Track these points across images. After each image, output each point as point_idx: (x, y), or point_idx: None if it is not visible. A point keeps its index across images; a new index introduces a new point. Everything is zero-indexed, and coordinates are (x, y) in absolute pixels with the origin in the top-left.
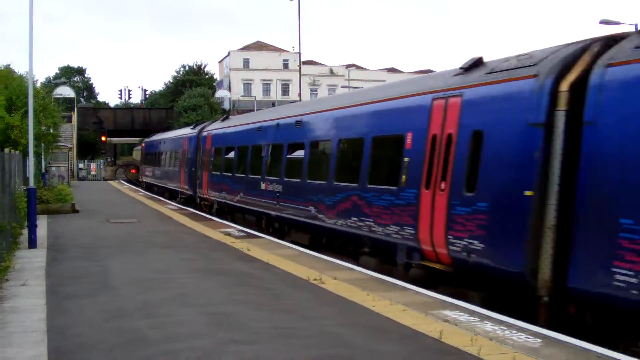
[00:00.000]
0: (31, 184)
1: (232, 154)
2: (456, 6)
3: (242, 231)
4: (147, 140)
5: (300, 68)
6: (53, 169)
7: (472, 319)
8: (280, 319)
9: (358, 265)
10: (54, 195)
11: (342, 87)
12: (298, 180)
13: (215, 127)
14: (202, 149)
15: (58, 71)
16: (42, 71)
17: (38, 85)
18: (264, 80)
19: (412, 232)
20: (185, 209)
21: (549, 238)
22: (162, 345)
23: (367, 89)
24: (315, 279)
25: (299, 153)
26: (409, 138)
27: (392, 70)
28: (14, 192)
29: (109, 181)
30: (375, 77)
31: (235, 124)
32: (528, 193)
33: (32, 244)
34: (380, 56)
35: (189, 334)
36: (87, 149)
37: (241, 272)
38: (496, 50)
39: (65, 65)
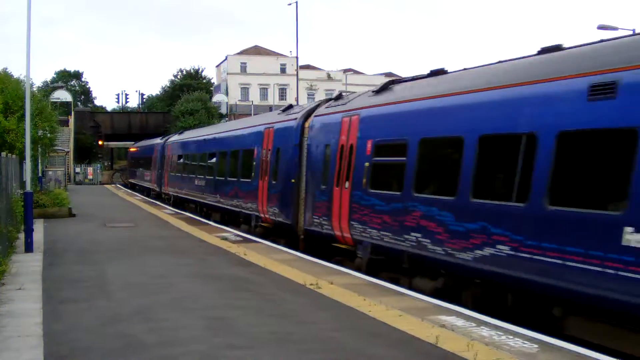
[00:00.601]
0: (28, 188)
1: (181, 160)
2: (455, 10)
3: (238, 236)
4: (133, 145)
5: (297, 72)
6: (50, 173)
7: (469, 324)
8: (277, 323)
9: (239, 229)
10: (50, 200)
11: (340, 91)
12: (212, 177)
13: (174, 139)
14: (165, 155)
15: (55, 75)
16: (40, 74)
17: (35, 88)
18: (261, 84)
19: (256, 206)
20: (182, 214)
21: (301, 204)
22: (159, 350)
23: (239, 120)
24: (311, 284)
25: (213, 159)
26: (255, 150)
27: (389, 75)
28: (10, 196)
29: (105, 185)
30: (372, 81)
31: (185, 137)
32: (293, 180)
33: (29, 248)
34: (377, 60)
35: (185, 339)
36: (84, 153)
37: (238, 276)
38: (495, 54)
39: (62, 69)
